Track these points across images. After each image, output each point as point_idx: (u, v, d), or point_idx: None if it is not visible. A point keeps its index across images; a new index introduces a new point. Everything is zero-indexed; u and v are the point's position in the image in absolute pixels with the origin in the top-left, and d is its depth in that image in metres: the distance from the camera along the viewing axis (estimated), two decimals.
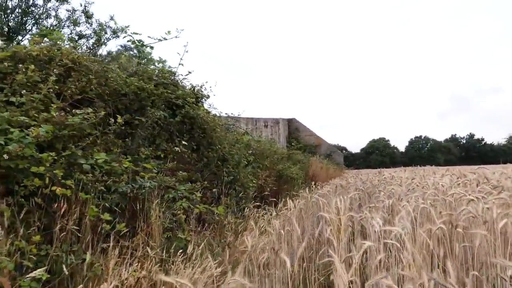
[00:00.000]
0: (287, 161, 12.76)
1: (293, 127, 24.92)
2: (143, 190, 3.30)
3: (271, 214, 4.97)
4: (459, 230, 2.44)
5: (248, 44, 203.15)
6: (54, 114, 3.18)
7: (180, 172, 4.17)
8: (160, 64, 7.22)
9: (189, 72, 6.82)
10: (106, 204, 3.15)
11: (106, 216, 2.70)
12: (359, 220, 3.21)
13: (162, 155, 5.17)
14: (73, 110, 3.43)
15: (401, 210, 2.85)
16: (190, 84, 6.54)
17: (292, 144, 19.06)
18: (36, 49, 3.77)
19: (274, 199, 7.58)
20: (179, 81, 6.11)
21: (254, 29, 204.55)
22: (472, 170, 5.42)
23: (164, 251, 3.09)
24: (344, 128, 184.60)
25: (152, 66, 6.21)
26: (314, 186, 7.26)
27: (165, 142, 5.39)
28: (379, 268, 2.26)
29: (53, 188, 2.77)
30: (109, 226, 2.68)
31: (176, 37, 4.99)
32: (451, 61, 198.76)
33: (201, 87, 6.61)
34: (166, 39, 5.01)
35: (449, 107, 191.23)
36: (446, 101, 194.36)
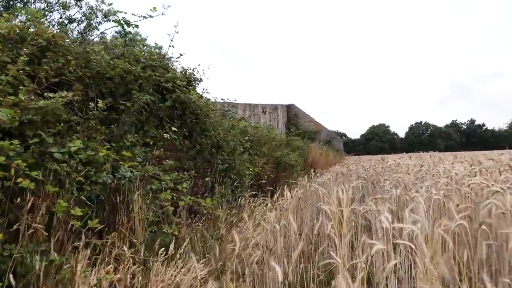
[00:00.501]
0: (285, 147, 12.44)
1: (292, 113, 24.52)
2: (123, 181, 2.97)
3: (266, 205, 4.67)
4: (484, 227, 2.10)
5: (246, 31, 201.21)
6: (23, 98, 2.84)
7: (167, 160, 3.84)
8: (156, 50, 6.83)
9: (181, 55, 6.45)
10: (82, 197, 2.84)
11: (77, 211, 2.38)
12: (363, 213, 2.90)
13: (151, 142, 4.84)
14: (45, 94, 3.09)
15: (411, 202, 2.53)
16: (182, 67, 6.18)
17: (291, 130, 18.70)
18: (5, 27, 3.40)
19: (272, 188, 7.29)
20: (169, 63, 5.74)
21: (253, 15, 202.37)
22: (486, 156, 5.07)
23: (145, 248, 2.78)
24: (344, 114, 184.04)
25: (139, 48, 5.81)
26: (313, 174, 6.96)
27: (154, 129, 5.06)
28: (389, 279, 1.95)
29: (19, 180, 2.45)
30: (80, 223, 2.36)
31: (162, 14, 4.59)
32: (450, 47, 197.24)
33: (193, 70, 6.24)
34: (152, 17, 4.62)
35: (449, 93, 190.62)
36: (446, 87, 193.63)
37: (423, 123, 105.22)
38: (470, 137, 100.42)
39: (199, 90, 7.35)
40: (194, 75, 6.22)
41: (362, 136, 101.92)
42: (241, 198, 5.73)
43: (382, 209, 2.42)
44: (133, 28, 4.50)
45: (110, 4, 4.55)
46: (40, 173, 2.47)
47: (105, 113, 4.09)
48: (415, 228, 1.79)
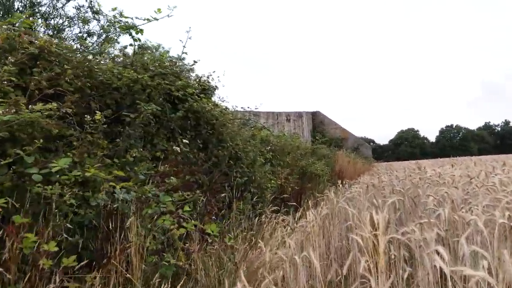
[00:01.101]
0: (311, 156, 11.88)
1: (317, 121, 23.87)
2: (116, 204, 2.56)
3: (287, 225, 4.15)
4: None
5: (268, 37, 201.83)
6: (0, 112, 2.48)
7: (172, 178, 3.40)
8: (166, 56, 6.50)
9: (195, 62, 6.08)
10: (69, 224, 2.43)
11: (52, 246, 1.96)
12: (404, 240, 2.33)
13: (161, 156, 4.45)
14: (30, 106, 2.72)
15: (465, 225, 1.98)
16: (196, 75, 5.80)
17: (317, 138, 18.05)
18: None
19: (295, 203, 6.76)
20: (182, 71, 5.37)
21: (274, 22, 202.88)
22: None
23: (143, 285, 2.33)
24: (371, 120, 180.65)
25: (148, 55, 5.47)
26: (341, 185, 6.39)
27: (164, 141, 4.67)
28: None
29: None
30: (51, 262, 1.94)
31: (168, 16, 4.21)
32: (480, 47, 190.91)
33: (207, 77, 5.84)
34: (157, 19, 4.24)
35: (480, 93, 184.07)
36: (477, 88, 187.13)
37: (454, 126, 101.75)
38: (504, 139, 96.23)
39: (215, 98, 6.96)
40: (209, 82, 5.82)
41: (390, 141, 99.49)
42: (262, 215, 5.24)
43: (430, 237, 1.88)
44: (137, 33, 4.13)
45: (114, 9, 4.22)
46: (10, 200, 2.07)
47: (107, 126, 3.73)
48: (490, 279, 1.25)
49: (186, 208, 2.99)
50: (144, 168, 3.34)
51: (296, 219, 5.24)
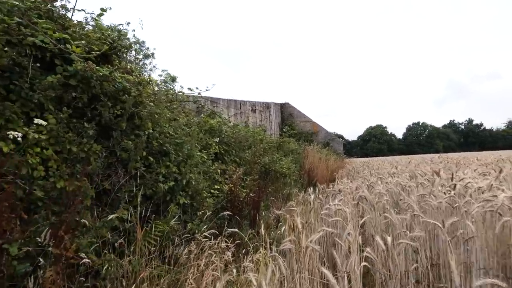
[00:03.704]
0: (277, 151, 10.08)
1: (286, 113, 22.12)
2: None
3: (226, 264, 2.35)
4: None
5: (240, 30, 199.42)
6: None
7: None
8: None
9: (103, 10, 4.08)
10: None
11: None
12: None
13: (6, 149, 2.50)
14: None
15: None
16: (94, 25, 3.82)
17: (284, 130, 16.23)
18: None
19: (250, 215, 4.94)
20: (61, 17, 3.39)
21: (245, 14, 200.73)
22: None
23: None
24: (340, 116, 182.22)
25: None
26: (312, 191, 4.59)
27: (20, 122, 2.71)
28: None
29: None
30: None
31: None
32: (447, 47, 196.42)
33: (118, 31, 3.87)
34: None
35: (446, 93, 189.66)
36: (443, 88, 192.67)
37: (420, 124, 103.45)
38: (468, 137, 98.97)
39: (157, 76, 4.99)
40: (119, 38, 3.84)
41: (359, 137, 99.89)
42: (191, 242, 3.36)
43: None
44: None
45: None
46: None
47: None
48: None
49: None
50: None
51: (245, 251, 3.42)
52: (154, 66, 28.10)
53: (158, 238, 3.39)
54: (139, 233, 2.89)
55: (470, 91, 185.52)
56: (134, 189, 3.52)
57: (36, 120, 2.57)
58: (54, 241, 2.14)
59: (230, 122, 9.59)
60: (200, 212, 3.89)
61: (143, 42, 27.02)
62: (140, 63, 25.74)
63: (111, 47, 3.73)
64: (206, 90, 7.18)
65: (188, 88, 6.78)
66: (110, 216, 2.74)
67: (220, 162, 5.92)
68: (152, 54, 27.54)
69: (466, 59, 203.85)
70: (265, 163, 7.79)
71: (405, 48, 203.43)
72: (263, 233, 2.95)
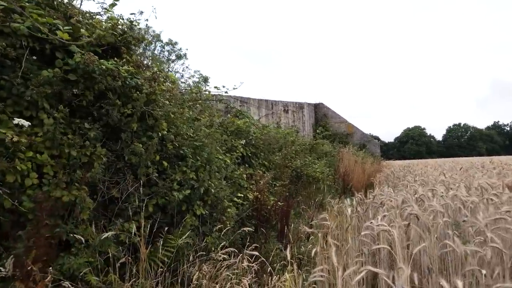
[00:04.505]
0: (309, 154, 9.50)
1: (320, 114, 21.39)
2: None
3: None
4: None
5: (272, 30, 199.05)
6: None
7: None
8: None
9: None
10: None
11: None
12: None
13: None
14: None
15: None
16: (108, 17, 3.43)
17: (317, 131, 15.53)
18: None
19: (278, 227, 4.44)
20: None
21: (279, 14, 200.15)
22: None
23: None
24: (376, 117, 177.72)
25: None
26: (349, 202, 4.01)
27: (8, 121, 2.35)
28: None
29: None
30: None
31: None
32: (491, 45, 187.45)
33: (131, 22, 3.47)
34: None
35: (489, 93, 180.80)
36: (486, 87, 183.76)
37: (462, 125, 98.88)
38: None
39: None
40: (132, 29, 3.45)
41: (396, 139, 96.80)
42: (205, 262, 2.90)
43: None
44: None
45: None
46: None
47: None
48: None
49: None
50: None
51: (270, 270, 2.93)
52: (186, 67, 28.16)
53: (169, 255, 2.97)
54: (143, 253, 2.46)
55: None
56: (145, 197, 3.12)
57: (16, 120, 2.19)
58: (19, 272, 1.73)
59: (259, 122, 9.13)
60: (220, 225, 3.43)
61: (175, 43, 27.13)
62: (172, 63, 25.81)
63: (122, 38, 3.34)
64: (234, 88, 6.72)
65: (215, 87, 6.36)
66: (105, 234, 2.32)
67: (246, 166, 5.45)
68: (185, 54, 27.59)
69: (511, 57, 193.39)
70: (296, 166, 7.26)
71: (446, 46, 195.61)
72: (288, 256, 2.44)
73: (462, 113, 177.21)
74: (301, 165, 7.45)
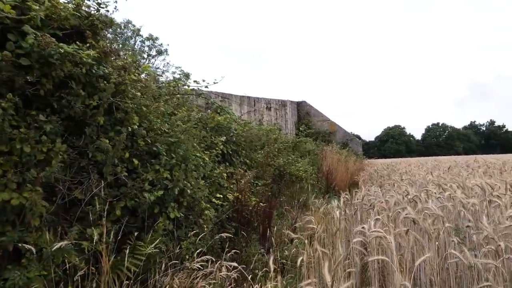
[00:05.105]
0: (292, 152, 9.26)
1: (303, 112, 21.22)
2: None
3: None
4: None
5: (255, 28, 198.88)
6: None
7: None
8: None
9: None
10: None
11: None
12: None
13: None
14: None
15: None
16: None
17: (300, 129, 15.32)
18: None
19: (260, 229, 4.18)
20: None
21: (260, 12, 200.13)
22: None
23: None
24: (357, 116, 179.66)
25: None
26: (336, 204, 3.75)
27: None
28: None
29: None
30: None
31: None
32: (469, 47, 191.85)
33: (98, 4, 3.12)
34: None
35: (467, 94, 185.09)
36: (465, 88, 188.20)
37: (440, 125, 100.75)
38: (490, 139, 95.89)
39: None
40: (97, 11, 3.10)
41: (376, 138, 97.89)
42: (179, 271, 2.60)
43: None
44: None
45: None
46: None
47: None
48: None
49: None
50: None
51: (251, 276, 2.66)
52: (167, 63, 27.64)
53: (138, 263, 2.65)
54: (105, 263, 2.14)
55: (493, 91, 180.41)
56: (112, 199, 2.80)
57: None
58: None
59: (241, 119, 8.83)
60: (196, 229, 3.13)
61: (156, 38, 26.57)
62: (152, 59, 25.26)
63: (88, 21, 2.99)
64: (214, 83, 6.40)
65: (194, 81, 6.03)
66: (58, 244, 1.98)
67: (227, 164, 5.16)
68: (166, 50, 27.07)
69: (489, 58, 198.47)
70: (279, 165, 7.00)
71: (426, 47, 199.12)
72: (271, 265, 2.16)
73: (441, 113, 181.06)
74: (284, 163, 7.20)
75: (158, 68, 24.13)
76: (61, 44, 2.50)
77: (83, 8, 2.97)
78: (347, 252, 2.44)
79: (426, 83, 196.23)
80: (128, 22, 23.52)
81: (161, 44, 25.76)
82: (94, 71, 2.93)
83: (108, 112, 3.02)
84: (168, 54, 28.19)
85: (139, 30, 24.20)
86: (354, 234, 2.38)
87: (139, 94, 3.20)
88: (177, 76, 13.24)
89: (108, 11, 3.17)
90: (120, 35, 21.91)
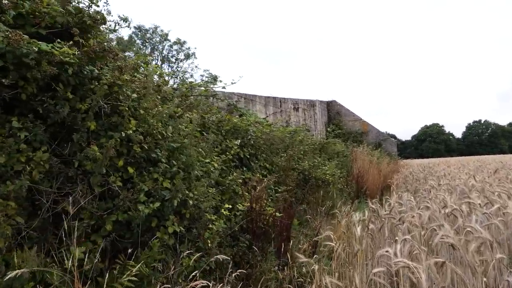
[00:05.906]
0: (319, 154, 8.80)
1: (333, 111, 20.57)
2: None
3: None
4: None
5: (284, 28, 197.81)
6: None
7: None
8: None
9: None
10: None
11: None
12: None
13: None
14: None
15: None
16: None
17: (328, 130, 14.70)
18: None
19: (281, 236, 3.81)
20: None
21: (288, 12, 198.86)
22: None
23: None
24: (392, 114, 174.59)
25: None
26: (359, 216, 3.29)
27: None
28: None
29: None
30: None
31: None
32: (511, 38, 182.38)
33: (91, 0, 2.87)
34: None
35: (511, 87, 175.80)
36: (508, 81, 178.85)
37: (482, 122, 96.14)
38: None
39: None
40: (90, 6, 2.85)
41: (413, 137, 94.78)
42: None
43: None
44: None
45: None
46: None
47: None
48: None
49: None
50: None
51: None
52: (196, 66, 27.75)
53: (131, 285, 2.35)
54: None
55: None
56: (102, 212, 2.52)
57: None
58: None
59: (266, 121, 8.47)
60: (198, 245, 2.80)
61: (184, 42, 26.71)
62: (181, 63, 25.38)
63: (76, 18, 2.74)
64: (232, 83, 6.11)
65: (210, 82, 5.75)
66: (12, 273, 1.70)
67: (244, 169, 4.82)
68: (193, 53, 27.19)
69: None
70: (304, 168, 6.58)
71: (465, 39, 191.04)
72: None
73: (483, 109, 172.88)
74: (309, 167, 6.77)
75: (186, 71, 24.22)
76: (38, 42, 2.25)
77: (72, 4, 2.72)
78: (367, 284, 2.01)
79: (466, 77, 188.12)
80: (156, 27, 23.77)
81: (189, 48, 25.90)
82: (85, 72, 2.69)
83: (101, 117, 2.77)
84: (196, 57, 28.29)
85: (167, 35, 24.41)
86: (377, 258, 1.97)
87: (134, 95, 2.91)
88: (205, 79, 13.09)
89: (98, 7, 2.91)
90: (149, 40, 22.19)
